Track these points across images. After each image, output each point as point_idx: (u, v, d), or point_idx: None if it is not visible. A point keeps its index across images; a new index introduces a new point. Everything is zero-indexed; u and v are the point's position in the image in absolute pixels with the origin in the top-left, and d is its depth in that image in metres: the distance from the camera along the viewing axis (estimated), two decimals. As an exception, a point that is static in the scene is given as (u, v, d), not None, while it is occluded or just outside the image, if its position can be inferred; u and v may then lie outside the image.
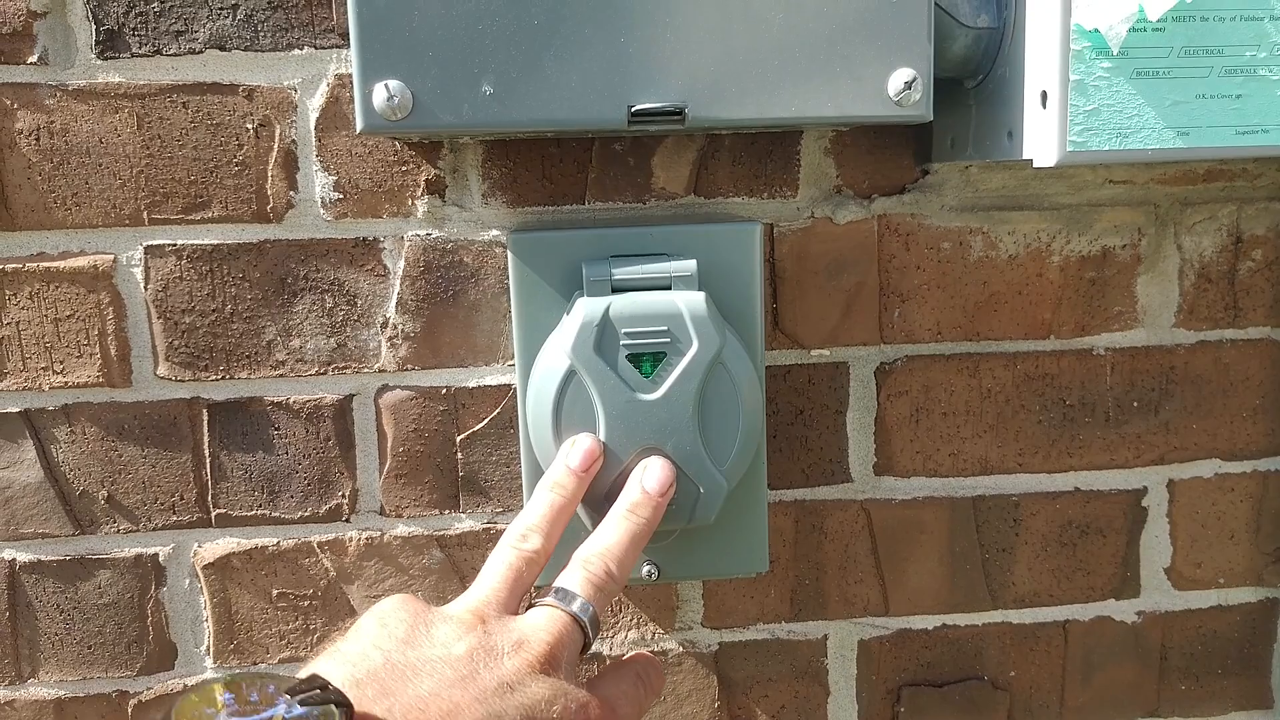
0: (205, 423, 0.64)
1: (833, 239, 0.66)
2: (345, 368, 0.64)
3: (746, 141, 0.64)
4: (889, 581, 0.70)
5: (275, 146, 0.62)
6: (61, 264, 0.62)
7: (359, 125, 0.49)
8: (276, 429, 0.64)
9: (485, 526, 0.66)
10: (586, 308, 0.52)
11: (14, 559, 0.64)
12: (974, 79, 0.58)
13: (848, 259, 0.66)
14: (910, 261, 0.66)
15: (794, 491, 0.68)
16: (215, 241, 0.62)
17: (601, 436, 0.52)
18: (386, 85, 0.49)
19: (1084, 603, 0.71)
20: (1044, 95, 0.52)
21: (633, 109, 0.50)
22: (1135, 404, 0.69)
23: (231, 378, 0.64)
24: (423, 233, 0.63)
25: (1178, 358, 0.69)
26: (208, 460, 0.64)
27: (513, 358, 0.63)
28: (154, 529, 0.65)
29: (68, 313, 0.62)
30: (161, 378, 0.63)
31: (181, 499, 0.65)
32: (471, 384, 0.65)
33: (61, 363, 0.63)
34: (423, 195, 0.63)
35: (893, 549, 0.69)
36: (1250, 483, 0.71)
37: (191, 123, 0.61)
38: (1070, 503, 0.70)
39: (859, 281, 0.66)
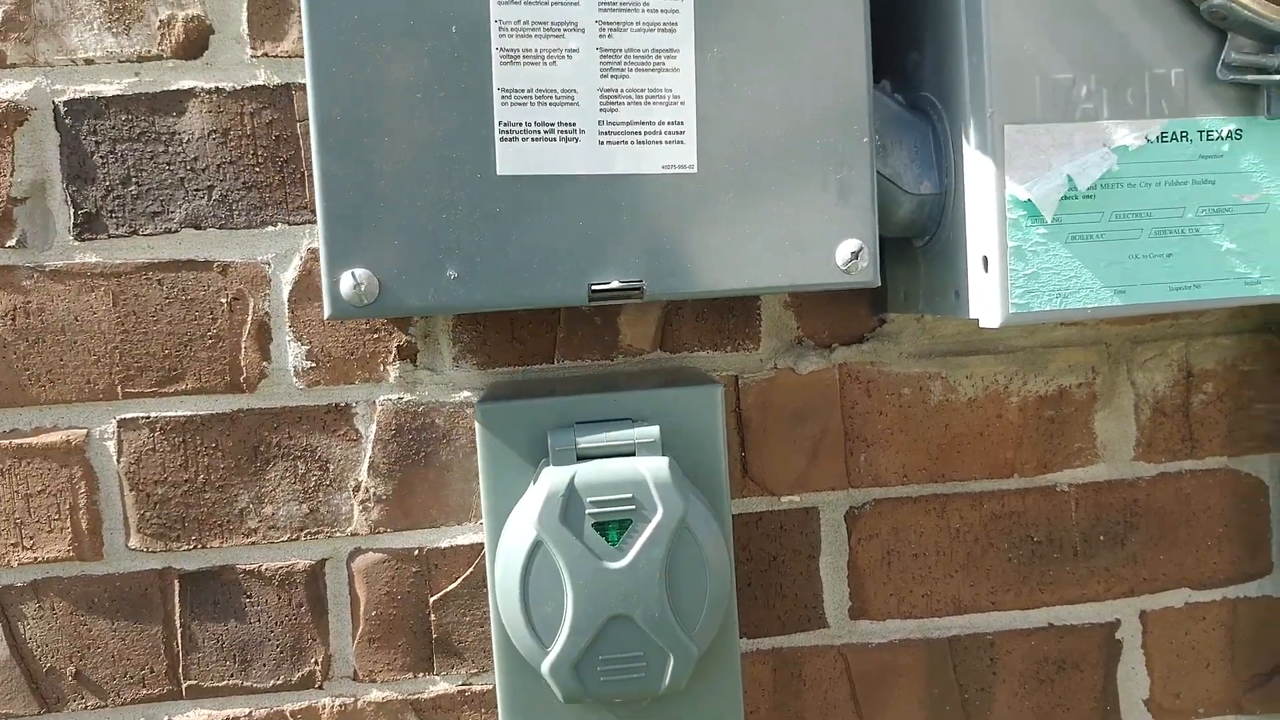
0: (177, 593, 0.64)
1: (796, 388, 0.67)
2: (318, 533, 0.64)
3: (708, 299, 0.66)
4: (869, 728, 0.69)
5: (249, 319, 0.63)
6: (34, 440, 0.62)
7: (326, 311, 0.51)
8: (248, 597, 0.64)
9: (460, 688, 0.66)
10: (552, 478, 0.53)
11: (-22, 741, 0.63)
12: (921, 239, 0.61)
13: (811, 407, 0.67)
14: (872, 407, 0.68)
15: (771, 640, 0.68)
16: (188, 413, 0.63)
17: (569, 606, 0.52)
18: (353, 274, 0.50)
19: (1066, 742, 0.71)
20: (985, 260, 0.54)
21: (593, 287, 0.52)
22: (1102, 537, 0.70)
23: (204, 547, 0.64)
24: (394, 397, 0.64)
25: (1139, 490, 0.71)
26: (179, 631, 0.64)
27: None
28: (122, 704, 0.64)
29: (39, 488, 0.63)
30: (133, 549, 0.63)
31: (152, 671, 0.64)
32: (444, 544, 0.65)
33: (32, 538, 0.63)
34: (394, 361, 0.64)
35: (872, 694, 0.69)
36: (1221, 610, 0.72)
37: (166, 299, 0.63)
38: (1045, 639, 0.70)
39: (824, 428, 0.68)
